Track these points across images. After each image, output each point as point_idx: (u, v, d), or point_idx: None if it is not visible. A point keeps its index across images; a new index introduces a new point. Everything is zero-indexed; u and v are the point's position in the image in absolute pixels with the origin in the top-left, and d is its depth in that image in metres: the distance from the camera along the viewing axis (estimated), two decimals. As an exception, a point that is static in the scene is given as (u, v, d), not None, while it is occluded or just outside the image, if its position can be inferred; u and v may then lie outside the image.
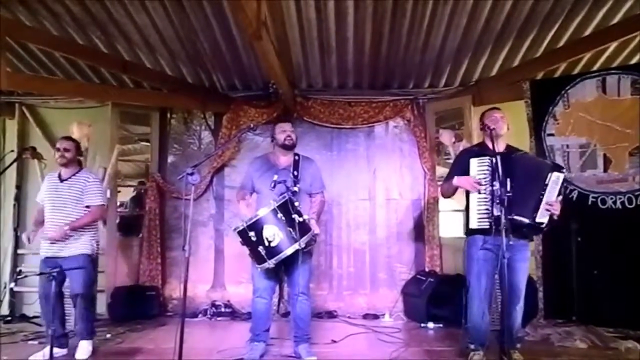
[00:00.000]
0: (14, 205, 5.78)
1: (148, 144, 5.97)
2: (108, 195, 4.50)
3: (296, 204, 3.40)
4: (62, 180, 3.87)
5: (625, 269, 4.20)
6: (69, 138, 4.02)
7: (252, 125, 4.06)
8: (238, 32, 4.72)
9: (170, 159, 6.01)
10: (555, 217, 3.38)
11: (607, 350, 3.87)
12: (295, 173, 3.68)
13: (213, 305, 5.52)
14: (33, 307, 5.26)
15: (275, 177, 3.60)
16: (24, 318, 5.31)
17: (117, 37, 4.94)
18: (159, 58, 5.32)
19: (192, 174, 3.05)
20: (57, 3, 4.44)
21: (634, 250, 4.16)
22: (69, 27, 4.81)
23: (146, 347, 4.13)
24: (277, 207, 3.31)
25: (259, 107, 5.81)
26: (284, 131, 3.76)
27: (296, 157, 3.80)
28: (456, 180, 3.51)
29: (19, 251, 5.79)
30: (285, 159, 3.79)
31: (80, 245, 3.80)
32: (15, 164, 5.41)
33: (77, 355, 3.75)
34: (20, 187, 5.82)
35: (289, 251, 3.28)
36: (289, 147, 3.76)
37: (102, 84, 5.79)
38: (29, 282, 5.28)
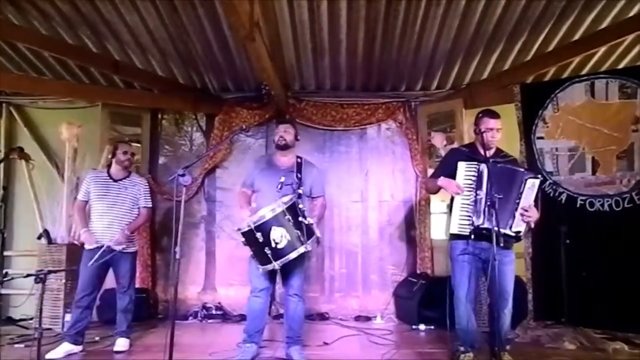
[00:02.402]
0: (1, 206, 5.70)
1: (139, 144, 5.91)
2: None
3: (301, 206, 3.40)
4: (115, 181, 4.12)
5: (613, 271, 4.23)
6: (128, 143, 4.40)
7: (244, 127, 4.08)
8: (230, 33, 4.70)
9: (161, 160, 5.99)
10: (532, 225, 3.39)
11: (595, 352, 3.91)
12: (299, 175, 3.69)
13: (204, 307, 5.50)
14: (20, 309, 5.19)
15: (282, 179, 3.60)
16: (10, 321, 5.24)
17: (108, 37, 4.90)
18: (150, 58, 5.29)
19: (183, 175, 3.04)
20: (46, 3, 4.39)
21: (622, 252, 4.21)
22: (59, 27, 4.77)
23: (136, 350, 4.10)
24: (286, 209, 3.29)
25: (251, 109, 5.81)
26: (277, 132, 3.80)
27: (299, 160, 3.81)
28: (441, 181, 3.48)
29: (6, 253, 5.73)
30: (285, 160, 3.79)
31: (131, 244, 4.12)
32: (1, 165, 5.35)
33: (115, 348, 4.01)
34: (7, 188, 5.76)
35: (294, 254, 3.26)
36: (280, 147, 3.77)
37: (92, 84, 5.74)
38: (16, 285, 5.21)
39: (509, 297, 3.42)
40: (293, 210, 3.31)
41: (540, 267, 4.65)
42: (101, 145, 5.51)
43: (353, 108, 5.91)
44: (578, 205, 4.53)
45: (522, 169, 3.53)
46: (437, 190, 3.67)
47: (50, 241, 5.03)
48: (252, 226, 3.27)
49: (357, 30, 4.70)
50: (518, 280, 3.62)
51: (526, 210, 3.30)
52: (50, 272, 3.61)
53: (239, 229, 3.38)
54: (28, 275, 3.53)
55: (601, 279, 4.28)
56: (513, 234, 3.32)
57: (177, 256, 3.00)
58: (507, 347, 3.54)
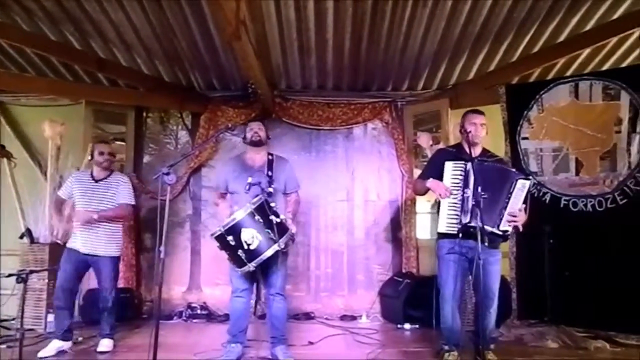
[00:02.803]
0: (-18, 204, 5.61)
1: (123, 143, 5.85)
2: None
3: (272, 204, 3.39)
4: (96, 181, 4.11)
5: (595, 271, 4.29)
6: (107, 143, 4.34)
7: (230, 126, 4.05)
8: (217, 32, 4.66)
9: (146, 158, 5.93)
10: (520, 228, 3.42)
11: (577, 350, 3.97)
12: (270, 173, 3.66)
13: (189, 307, 5.47)
14: (1, 310, 5.10)
15: (250, 180, 3.57)
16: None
17: (92, 34, 4.83)
18: (135, 56, 5.22)
19: (168, 173, 3.01)
20: (29, -2, 4.32)
21: (604, 252, 4.27)
22: (42, 23, 4.69)
23: (120, 350, 4.07)
24: (254, 209, 3.29)
25: (238, 108, 5.77)
26: (251, 129, 3.78)
27: (270, 157, 3.79)
28: (430, 183, 3.50)
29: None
30: (258, 158, 3.77)
31: (112, 247, 4.08)
32: (-17, 163, 5.26)
33: (98, 349, 4.00)
34: (-12, 186, 5.65)
35: (268, 253, 3.26)
36: (256, 144, 3.75)
37: (76, 82, 5.67)
38: (-3, 284, 5.13)
39: (494, 296, 3.45)
40: (262, 209, 3.31)
41: (524, 267, 4.70)
42: (85, 144, 5.42)
43: (339, 107, 5.91)
44: (562, 205, 4.58)
45: (513, 170, 3.57)
46: (425, 191, 3.69)
47: (32, 240, 4.96)
48: (223, 230, 3.28)
49: (344, 29, 4.69)
50: (502, 280, 3.65)
51: (514, 216, 3.32)
52: (32, 271, 3.58)
53: (212, 234, 3.38)
54: (9, 275, 3.47)
55: (584, 279, 4.34)
56: (500, 232, 3.35)
57: (162, 255, 2.97)
58: (492, 346, 3.58)
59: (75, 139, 5.41)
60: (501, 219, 3.31)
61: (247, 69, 4.68)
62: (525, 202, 3.37)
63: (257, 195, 3.40)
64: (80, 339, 4.31)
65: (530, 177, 3.49)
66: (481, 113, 3.59)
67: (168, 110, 5.96)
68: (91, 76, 5.61)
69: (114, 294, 4.13)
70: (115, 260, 4.15)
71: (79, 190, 4.07)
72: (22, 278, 3.29)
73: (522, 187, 3.32)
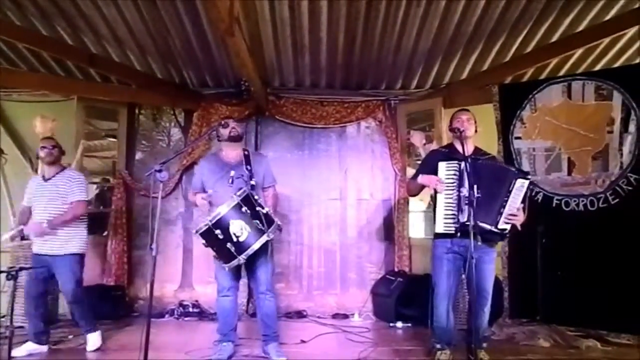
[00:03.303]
0: (-28, 201, 5.56)
1: (115, 140, 5.82)
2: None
3: (256, 197, 3.38)
4: (46, 180, 3.95)
5: (587, 270, 4.31)
6: (50, 138, 4.17)
7: (222, 123, 4.00)
8: (210, 28, 4.65)
9: (138, 155, 5.88)
10: (519, 227, 3.41)
11: (569, 349, 3.99)
12: (249, 167, 3.64)
13: (181, 305, 5.44)
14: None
15: (233, 173, 3.53)
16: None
17: (84, 29, 4.79)
18: (127, 52, 5.19)
19: (160, 171, 2.98)
20: (21, -7, 4.29)
21: (596, 251, 4.29)
22: (34, 18, 4.65)
23: (111, 349, 4.04)
24: (241, 200, 3.27)
25: (231, 105, 5.74)
26: (228, 125, 3.73)
27: (246, 152, 3.77)
28: (421, 178, 3.52)
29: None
30: (234, 154, 3.74)
31: (71, 245, 3.89)
32: (-27, 159, 5.22)
33: (88, 348, 3.96)
34: (-22, 182, 5.60)
35: (258, 243, 3.25)
36: (234, 139, 3.72)
37: (68, 77, 5.61)
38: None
39: (489, 295, 3.45)
40: (248, 201, 3.30)
41: (517, 266, 4.72)
42: (76, 140, 5.39)
43: (333, 106, 5.90)
44: (554, 205, 4.61)
45: (513, 168, 3.57)
46: (419, 190, 3.71)
47: (22, 237, 4.91)
48: (210, 224, 3.25)
49: (338, 28, 4.69)
50: (495, 279, 3.66)
51: (513, 215, 3.32)
52: (22, 269, 3.53)
53: (196, 231, 3.34)
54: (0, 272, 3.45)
55: (575, 278, 4.36)
56: (498, 231, 3.34)
57: (154, 253, 2.95)
58: (484, 345, 3.59)
59: (67, 136, 5.32)
60: (499, 218, 3.31)
61: (241, 66, 4.66)
62: (523, 201, 3.37)
63: (240, 188, 3.37)
64: (70, 337, 4.28)
65: (529, 176, 3.47)
66: (467, 111, 3.63)
67: (160, 107, 5.92)
68: (83, 72, 5.56)
69: (82, 297, 3.95)
70: (75, 259, 3.91)
71: (33, 193, 3.95)
72: (12, 275, 3.26)
73: (521, 187, 3.31)
